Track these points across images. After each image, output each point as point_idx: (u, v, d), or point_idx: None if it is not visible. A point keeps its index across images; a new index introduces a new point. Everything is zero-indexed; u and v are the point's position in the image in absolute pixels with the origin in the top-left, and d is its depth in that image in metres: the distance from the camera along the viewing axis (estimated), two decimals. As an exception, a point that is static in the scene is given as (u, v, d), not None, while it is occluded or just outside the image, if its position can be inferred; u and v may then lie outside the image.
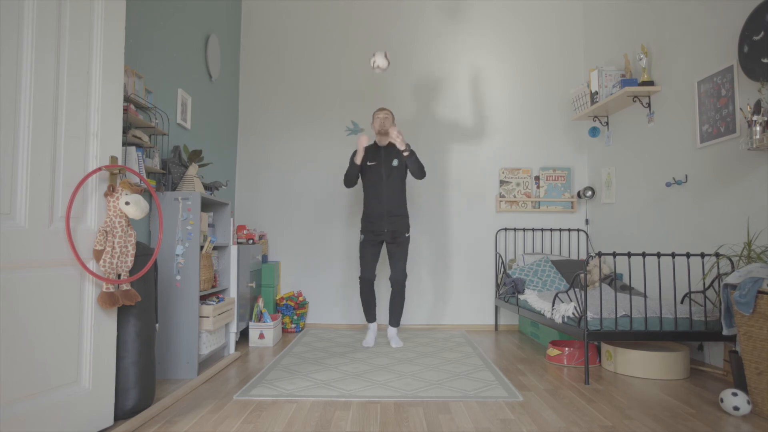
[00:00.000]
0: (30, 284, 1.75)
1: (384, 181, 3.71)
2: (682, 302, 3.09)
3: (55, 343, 1.84)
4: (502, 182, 4.62)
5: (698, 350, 3.20)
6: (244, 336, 4.05)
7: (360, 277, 3.76)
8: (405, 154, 3.61)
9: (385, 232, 3.69)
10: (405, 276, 3.70)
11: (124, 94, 2.55)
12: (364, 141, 3.63)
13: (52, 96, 1.85)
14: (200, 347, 2.95)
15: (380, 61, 3.53)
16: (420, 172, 3.69)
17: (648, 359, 2.88)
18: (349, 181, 3.75)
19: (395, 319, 3.78)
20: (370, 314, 3.81)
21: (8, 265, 1.68)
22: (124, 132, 2.55)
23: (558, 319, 3.06)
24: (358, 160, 3.68)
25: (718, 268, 2.76)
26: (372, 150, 3.79)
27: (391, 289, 3.79)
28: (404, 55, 4.71)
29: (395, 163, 3.73)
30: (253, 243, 4.09)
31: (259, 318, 3.82)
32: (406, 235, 3.74)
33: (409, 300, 4.55)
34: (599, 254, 2.74)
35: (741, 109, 2.76)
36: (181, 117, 3.37)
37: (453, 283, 4.58)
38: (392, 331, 3.79)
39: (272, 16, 4.74)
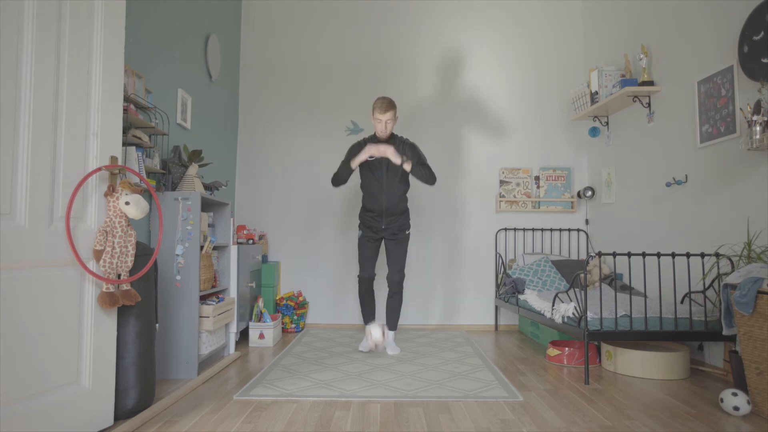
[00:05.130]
0: (30, 284, 1.75)
1: (383, 178, 3.44)
2: (682, 302, 3.09)
3: (55, 343, 1.84)
4: (502, 182, 4.62)
5: (698, 350, 3.20)
6: (244, 336, 4.05)
7: (359, 276, 3.54)
8: (408, 169, 3.36)
9: (383, 229, 3.48)
10: (403, 276, 3.49)
11: (124, 94, 2.55)
12: (366, 155, 3.34)
13: (52, 96, 1.85)
14: (200, 347, 2.95)
15: (376, 336, 3.32)
16: (430, 180, 3.44)
17: (648, 359, 2.88)
18: (337, 182, 3.52)
19: (392, 322, 3.56)
20: (369, 315, 3.58)
21: (8, 265, 1.68)
22: (124, 132, 2.55)
23: (558, 319, 3.06)
24: (354, 165, 3.40)
25: (718, 268, 2.76)
26: (372, 143, 3.46)
27: (388, 289, 3.55)
28: (404, 56, 4.71)
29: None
30: (253, 243, 4.09)
31: (259, 318, 3.82)
32: (407, 232, 3.53)
33: (408, 300, 4.54)
34: (599, 254, 2.74)
35: (741, 109, 2.76)
36: (181, 117, 3.37)
37: (453, 283, 4.58)
38: (390, 336, 3.56)
39: (272, 16, 4.74)
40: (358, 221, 3.62)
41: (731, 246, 2.87)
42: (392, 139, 3.49)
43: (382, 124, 3.36)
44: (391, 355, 3.42)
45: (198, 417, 2.19)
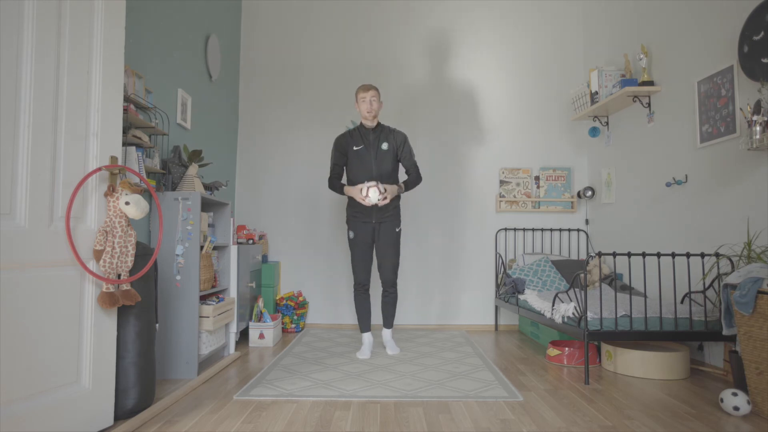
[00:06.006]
0: (30, 284, 1.75)
1: (372, 168, 3.33)
2: (682, 302, 3.09)
3: (55, 343, 1.84)
4: (502, 182, 4.62)
5: (698, 350, 3.20)
6: (244, 336, 4.06)
7: (355, 284, 3.44)
8: (402, 192, 3.40)
9: (373, 222, 3.35)
10: (396, 275, 3.43)
11: (124, 94, 2.55)
12: (357, 193, 3.23)
13: (52, 96, 1.85)
14: (200, 347, 2.95)
15: (372, 195, 3.19)
16: (417, 184, 3.50)
17: (648, 359, 2.88)
18: (333, 188, 3.45)
19: (389, 320, 3.53)
20: (365, 324, 3.46)
21: (8, 265, 1.68)
22: (124, 132, 2.55)
23: (558, 319, 3.06)
24: (347, 193, 3.35)
25: (718, 268, 2.76)
26: (358, 132, 3.40)
27: (381, 289, 3.45)
28: (403, 56, 4.71)
29: (385, 146, 3.36)
30: (253, 243, 4.09)
31: (259, 318, 3.82)
32: (397, 229, 3.41)
33: (408, 300, 4.55)
34: (599, 254, 2.74)
35: (741, 109, 2.76)
36: (181, 117, 3.37)
37: (453, 283, 4.58)
38: (387, 334, 3.54)
39: (272, 16, 4.74)
40: (346, 220, 3.47)
41: (731, 246, 2.87)
42: (379, 128, 3.42)
43: (366, 102, 3.33)
44: (391, 355, 3.40)
45: (198, 417, 2.20)
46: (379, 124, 3.44)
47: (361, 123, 3.45)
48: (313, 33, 4.73)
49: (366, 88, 3.35)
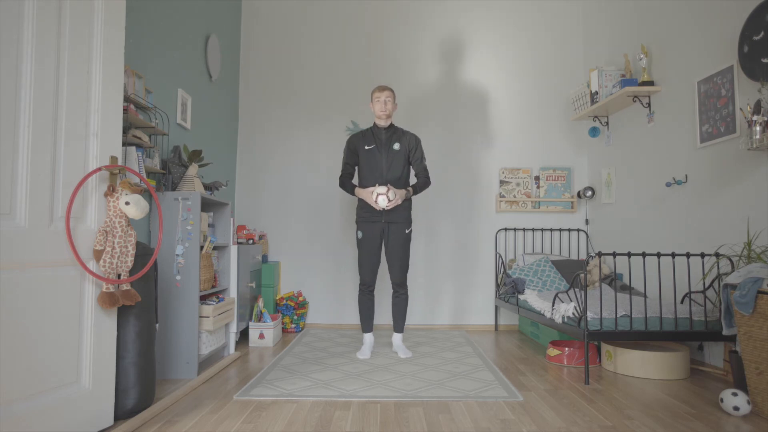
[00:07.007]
0: (30, 284, 1.75)
1: (383, 168, 3.34)
2: (682, 302, 3.09)
3: (55, 343, 1.84)
4: (502, 182, 4.62)
5: (698, 350, 3.20)
6: (244, 336, 4.06)
7: (360, 284, 3.42)
8: (411, 195, 3.40)
9: (382, 222, 3.34)
10: (406, 276, 3.41)
11: (124, 94, 2.55)
12: (367, 195, 3.29)
13: (52, 96, 1.85)
14: (200, 347, 2.95)
15: (381, 201, 3.24)
16: (426, 188, 3.50)
17: (648, 359, 2.88)
18: (344, 187, 3.50)
19: (399, 324, 3.48)
20: (367, 324, 3.46)
21: (8, 265, 1.68)
22: (124, 132, 2.55)
23: (558, 319, 3.06)
24: (357, 195, 3.39)
25: (718, 268, 2.76)
26: (371, 132, 3.43)
27: (392, 291, 3.46)
28: (404, 56, 4.71)
29: (397, 146, 3.37)
30: (253, 243, 4.09)
31: (259, 318, 3.82)
32: (407, 231, 3.39)
33: (409, 300, 4.54)
34: (599, 254, 2.74)
35: (741, 109, 2.76)
36: (181, 117, 3.37)
37: (453, 283, 4.58)
38: (398, 338, 3.49)
39: (272, 16, 4.75)
40: (356, 219, 3.45)
41: (731, 246, 2.87)
42: (392, 128, 3.43)
43: (381, 102, 3.35)
44: (404, 358, 3.32)
45: (198, 417, 2.20)
46: (392, 124, 3.45)
47: (374, 123, 3.46)
48: (313, 33, 4.73)
49: (382, 88, 3.38)
